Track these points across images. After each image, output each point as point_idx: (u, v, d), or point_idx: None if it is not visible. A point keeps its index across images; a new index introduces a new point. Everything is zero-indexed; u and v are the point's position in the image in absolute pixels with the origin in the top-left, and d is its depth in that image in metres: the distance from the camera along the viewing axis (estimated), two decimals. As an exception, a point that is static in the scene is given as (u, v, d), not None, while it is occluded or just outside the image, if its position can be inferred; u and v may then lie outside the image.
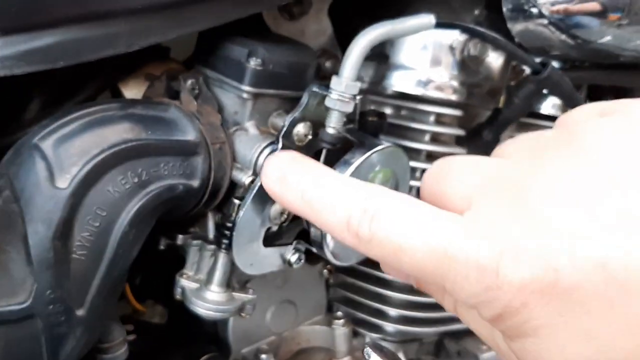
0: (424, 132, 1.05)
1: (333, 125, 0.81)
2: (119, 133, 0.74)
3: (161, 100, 0.82)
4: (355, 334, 1.16)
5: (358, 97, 0.81)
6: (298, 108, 0.82)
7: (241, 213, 0.82)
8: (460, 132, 1.06)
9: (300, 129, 0.83)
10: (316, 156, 0.85)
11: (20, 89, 0.80)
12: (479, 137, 1.13)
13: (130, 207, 0.73)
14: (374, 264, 1.07)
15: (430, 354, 1.30)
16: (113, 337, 0.84)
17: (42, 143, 0.71)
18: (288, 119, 0.82)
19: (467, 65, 1.02)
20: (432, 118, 1.04)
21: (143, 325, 1.00)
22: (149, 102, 0.81)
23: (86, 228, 0.71)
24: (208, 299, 0.84)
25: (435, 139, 1.07)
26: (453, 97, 1.02)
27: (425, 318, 1.18)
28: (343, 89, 0.79)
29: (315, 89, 0.81)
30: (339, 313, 1.16)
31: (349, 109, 0.81)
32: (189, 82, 0.82)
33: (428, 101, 1.03)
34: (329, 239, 0.83)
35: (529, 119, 1.17)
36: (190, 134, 0.80)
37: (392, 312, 1.18)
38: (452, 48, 1.01)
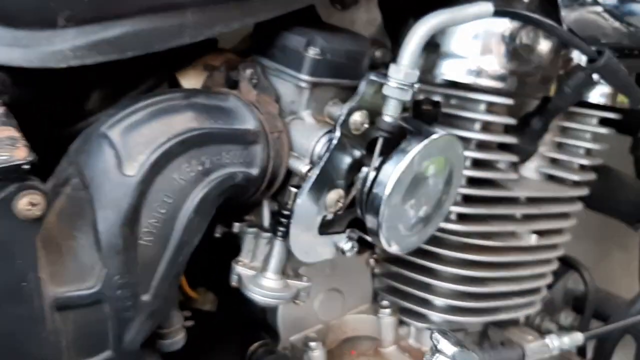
0: (474, 120, 1.04)
1: (390, 114, 0.82)
2: (184, 122, 0.75)
3: (221, 90, 0.83)
4: (400, 322, 1.16)
5: (416, 86, 0.81)
6: (355, 96, 0.83)
7: (299, 201, 0.83)
8: (510, 120, 1.06)
9: (357, 117, 0.83)
10: (372, 145, 0.85)
11: (83, 79, 0.81)
12: (528, 126, 1.13)
13: (194, 194, 0.74)
14: (420, 253, 1.12)
15: (474, 344, 1.29)
16: (172, 323, 0.86)
17: (110, 131, 0.73)
18: (345, 107, 0.82)
19: (519, 54, 1.01)
20: (482, 107, 1.04)
21: (195, 312, 1.00)
22: (210, 91, 0.82)
23: (153, 215, 0.73)
24: (264, 286, 0.85)
25: (486, 127, 1.07)
26: (504, 86, 1.02)
27: (471, 308, 1.17)
28: (402, 77, 0.79)
29: (373, 77, 0.82)
30: (385, 302, 1.15)
31: (407, 97, 0.81)
32: (248, 71, 0.83)
33: (479, 90, 1.03)
34: (384, 226, 0.84)
35: (577, 108, 1.16)
36: (249, 123, 0.80)
37: (438, 301, 1.18)
38: (503, 36, 1.00)
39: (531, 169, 1.22)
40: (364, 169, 0.85)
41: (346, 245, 0.91)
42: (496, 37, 1.00)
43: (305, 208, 0.83)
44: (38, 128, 0.70)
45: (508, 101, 1.03)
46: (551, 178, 1.18)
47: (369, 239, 0.89)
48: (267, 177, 0.82)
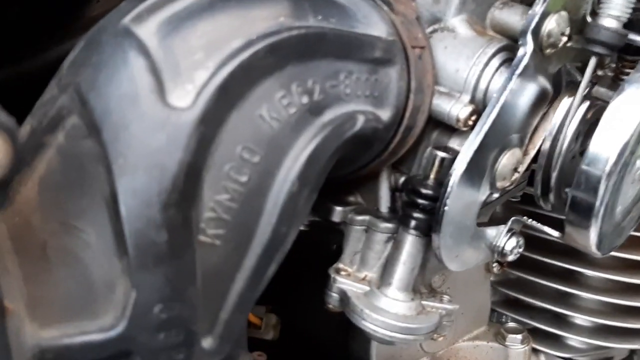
0: None
1: (617, 14, 0.48)
2: (273, 14, 0.43)
3: None
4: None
5: None
6: None
7: (459, 170, 0.49)
8: None
9: (554, 23, 0.51)
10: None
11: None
12: None
13: (298, 148, 0.42)
14: (554, 251, 0.82)
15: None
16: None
17: (137, 27, 0.41)
18: (539, 4, 0.49)
19: None
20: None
21: (254, 343, 0.69)
22: None
23: (225, 186, 0.41)
24: (389, 312, 0.54)
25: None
26: None
27: (626, 328, 0.89)
28: None
29: None
30: (512, 324, 0.90)
31: None
32: None
33: None
34: (603, 212, 0.50)
35: None
36: (377, 28, 0.48)
37: (580, 320, 0.90)
38: None
39: None
40: (559, 114, 0.51)
41: (509, 244, 0.59)
42: None
43: (467, 181, 0.52)
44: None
45: None
46: None
47: (554, 233, 0.56)
48: (402, 126, 0.51)
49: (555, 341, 0.92)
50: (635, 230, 0.84)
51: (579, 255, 0.88)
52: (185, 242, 0.39)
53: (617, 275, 0.86)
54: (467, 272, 0.85)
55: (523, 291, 0.91)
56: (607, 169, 0.49)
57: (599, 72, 0.61)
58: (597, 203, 0.51)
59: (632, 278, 0.86)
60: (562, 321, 0.91)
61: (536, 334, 0.92)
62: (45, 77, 0.45)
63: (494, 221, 0.63)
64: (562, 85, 0.58)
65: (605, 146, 0.49)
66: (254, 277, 0.42)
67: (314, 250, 0.67)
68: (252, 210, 0.41)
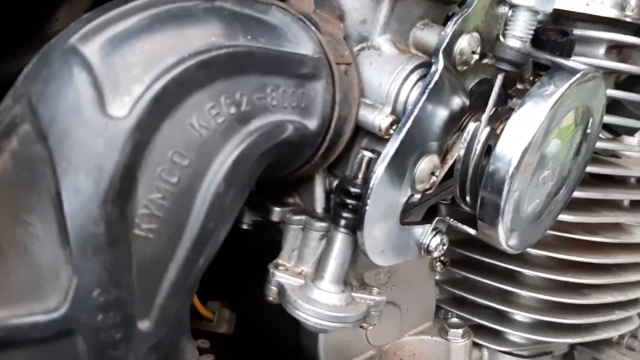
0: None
1: (519, 35, 0.54)
2: (205, 34, 0.48)
3: None
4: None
5: None
6: (465, 9, 0.55)
7: (378, 173, 0.55)
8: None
9: (465, 43, 0.57)
10: (486, 86, 0.57)
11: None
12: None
13: (225, 153, 0.47)
14: (498, 252, 0.84)
15: (556, 369, 1.07)
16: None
17: (83, 46, 0.45)
18: (451, 25, 0.54)
19: None
20: (601, 50, 0.76)
21: (208, 337, 0.72)
22: None
23: (157, 186, 0.45)
24: (321, 302, 0.57)
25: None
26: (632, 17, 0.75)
27: (563, 324, 0.94)
28: None
29: None
30: (455, 320, 0.92)
31: (549, 6, 0.53)
32: None
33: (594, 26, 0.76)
34: (507, 211, 0.55)
35: None
36: (305, 47, 0.53)
37: (520, 316, 0.96)
38: None
39: (633, 143, 0.96)
40: (471, 125, 0.57)
41: (433, 241, 0.64)
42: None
43: (387, 184, 0.57)
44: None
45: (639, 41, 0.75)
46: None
47: (471, 231, 0.61)
48: (329, 134, 0.56)
49: (497, 336, 0.96)
50: (570, 232, 0.90)
51: (518, 256, 0.93)
52: (121, 235, 0.43)
53: (553, 274, 0.91)
54: (411, 270, 0.90)
55: (467, 290, 0.95)
56: (510, 171, 0.55)
57: (519, 86, 0.67)
58: (502, 203, 0.56)
59: (567, 277, 0.91)
60: (503, 318, 0.95)
61: (480, 330, 0.97)
62: (6, 89, 0.50)
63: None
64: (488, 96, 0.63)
65: (508, 152, 0.55)
66: (185, 268, 0.46)
67: (262, 247, 0.71)
68: (182, 208, 0.45)
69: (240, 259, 0.75)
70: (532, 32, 0.56)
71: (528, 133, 0.54)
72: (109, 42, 0.45)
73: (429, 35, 0.59)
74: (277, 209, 0.63)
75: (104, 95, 0.43)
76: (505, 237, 0.59)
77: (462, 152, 0.59)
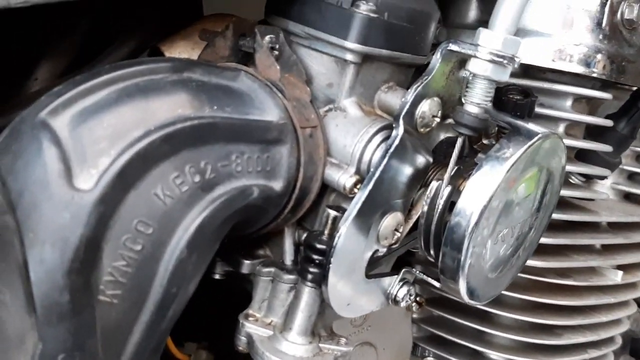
0: (556, 120, 0.79)
1: (477, 101, 0.56)
2: (172, 106, 0.50)
3: (227, 65, 0.57)
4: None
5: (517, 60, 0.55)
6: (425, 76, 0.57)
7: (342, 230, 0.57)
8: (605, 122, 0.80)
9: (427, 107, 0.59)
10: (447, 147, 0.59)
11: (26, 46, 0.54)
12: (612, 131, 0.88)
13: (189, 220, 0.48)
14: None
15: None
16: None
17: (52, 120, 0.47)
18: (411, 92, 0.56)
19: (619, 32, 0.76)
20: (568, 102, 0.78)
21: None
22: (211, 65, 0.55)
23: (121, 254, 0.47)
24: (287, 354, 0.60)
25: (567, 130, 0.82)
26: (597, 73, 0.76)
27: None
28: (499, 47, 0.53)
29: (452, 46, 0.56)
30: (431, 359, 0.96)
31: (505, 76, 0.55)
32: (267, 39, 0.56)
33: (563, 78, 0.77)
34: (467, 267, 0.57)
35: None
36: (270, 113, 0.55)
37: (495, 356, 0.95)
38: (598, 8, 0.76)
39: (604, 186, 0.98)
40: (434, 184, 0.59)
41: (400, 292, 0.66)
42: (589, 9, 0.75)
43: (351, 241, 0.58)
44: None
45: (604, 95, 0.77)
46: (628, 197, 1.00)
47: (435, 283, 0.63)
48: (295, 194, 0.58)
49: (472, 376, 0.95)
50: (542, 276, 0.92)
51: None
52: (85, 302, 0.45)
53: (527, 316, 0.91)
54: (387, 310, 0.91)
55: (444, 329, 0.96)
56: (470, 227, 0.57)
57: (485, 141, 0.69)
58: (462, 258, 0.58)
59: (540, 319, 0.91)
60: (479, 356, 0.94)
61: (456, 369, 0.98)
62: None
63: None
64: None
65: (468, 210, 0.57)
66: (149, 330, 0.48)
67: (237, 294, 0.73)
68: (145, 274, 0.47)
69: (217, 301, 0.77)
70: (491, 97, 0.58)
71: (485, 194, 0.56)
72: (78, 115, 0.47)
73: (392, 98, 0.62)
74: (246, 262, 0.65)
75: (71, 168, 0.45)
76: (466, 291, 0.61)
77: (425, 209, 0.61)
